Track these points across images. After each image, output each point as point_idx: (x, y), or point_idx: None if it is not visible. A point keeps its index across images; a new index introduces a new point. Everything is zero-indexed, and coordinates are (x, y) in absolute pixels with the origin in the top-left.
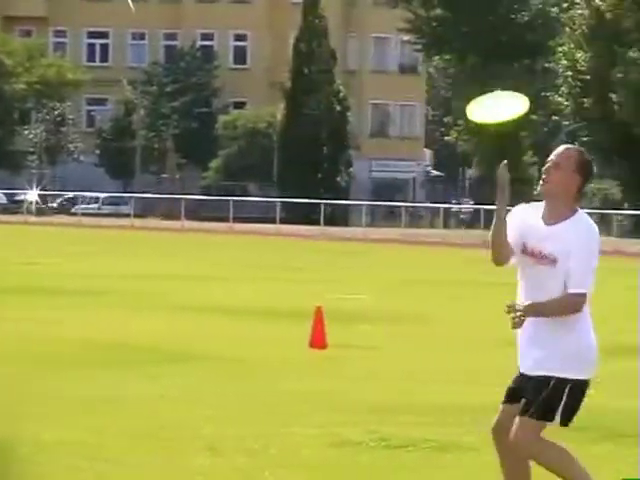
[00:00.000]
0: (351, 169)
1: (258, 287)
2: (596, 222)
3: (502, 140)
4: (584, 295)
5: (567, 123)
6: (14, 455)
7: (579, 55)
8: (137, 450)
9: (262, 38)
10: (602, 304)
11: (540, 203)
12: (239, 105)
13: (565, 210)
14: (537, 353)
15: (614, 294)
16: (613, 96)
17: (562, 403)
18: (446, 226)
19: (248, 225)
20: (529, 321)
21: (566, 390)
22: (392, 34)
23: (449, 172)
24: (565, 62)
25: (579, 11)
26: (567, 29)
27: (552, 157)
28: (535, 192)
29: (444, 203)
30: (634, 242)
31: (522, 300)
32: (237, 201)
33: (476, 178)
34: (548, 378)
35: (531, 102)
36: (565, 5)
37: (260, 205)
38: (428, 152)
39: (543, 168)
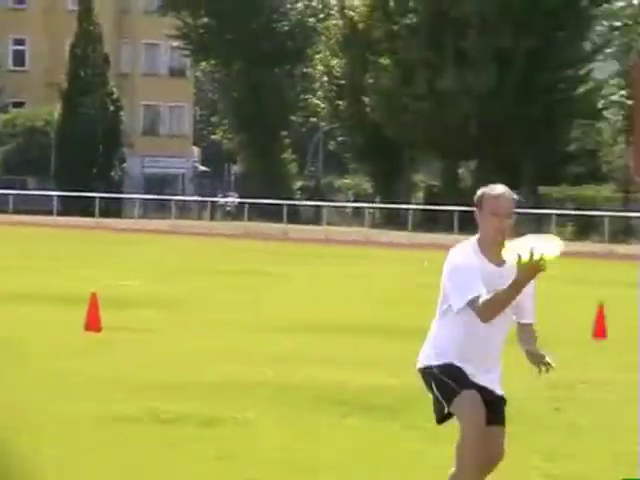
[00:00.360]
0: (124, 165)
1: (36, 275)
2: (350, 214)
3: (264, 139)
4: None
5: (324, 124)
6: None
7: (334, 62)
8: None
9: (40, 42)
10: (379, 289)
11: (466, 245)
12: (18, 105)
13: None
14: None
15: (387, 280)
16: (366, 99)
17: None
18: (213, 218)
19: (28, 217)
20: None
21: None
22: (162, 40)
23: (216, 168)
24: (322, 68)
25: (334, 21)
26: (323, 38)
27: (504, 206)
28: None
29: (211, 197)
30: (384, 232)
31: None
32: (17, 194)
33: (240, 173)
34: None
35: (291, 104)
36: (322, 16)
37: (39, 198)
38: (196, 149)
39: (497, 218)
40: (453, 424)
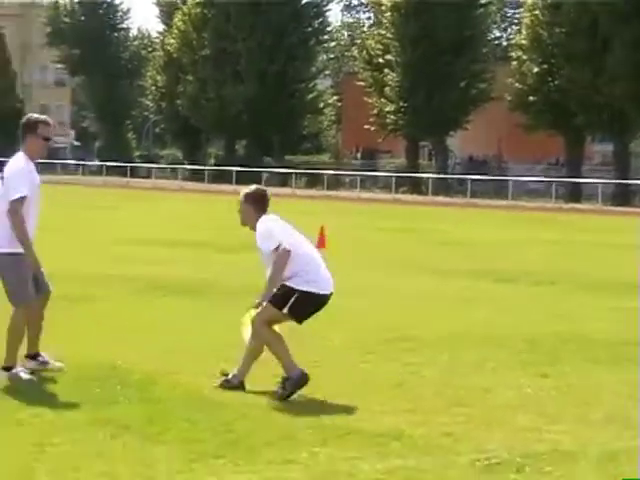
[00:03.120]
0: None
1: None
2: (169, 172)
3: (115, 125)
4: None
5: (152, 116)
6: None
7: (159, 77)
8: None
9: None
10: (183, 219)
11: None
12: None
13: None
14: None
15: (193, 213)
16: (178, 101)
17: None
18: (83, 174)
19: None
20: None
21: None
22: (50, 63)
23: (84, 143)
24: (151, 81)
25: (158, 52)
26: (151, 62)
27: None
28: None
29: (81, 161)
30: (190, 183)
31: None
32: None
33: (100, 147)
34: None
35: (132, 104)
36: (150, 49)
37: None
38: (72, 132)
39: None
40: None
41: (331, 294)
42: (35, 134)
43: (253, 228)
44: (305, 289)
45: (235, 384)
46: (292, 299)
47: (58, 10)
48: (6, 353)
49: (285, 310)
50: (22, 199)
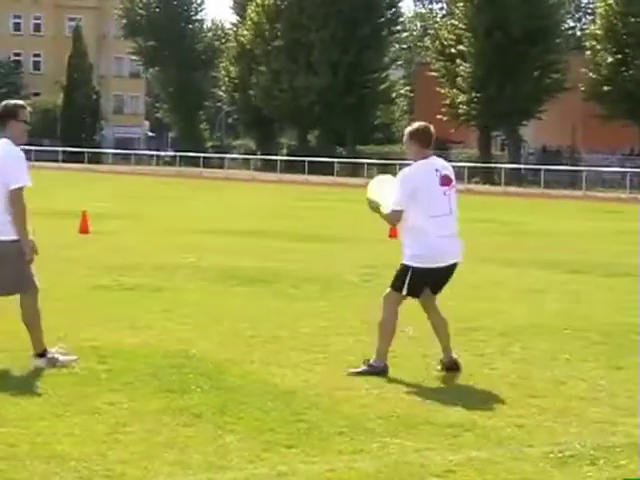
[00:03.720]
0: (102, 131)
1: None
2: (241, 162)
3: (188, 116)
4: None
5: (225, 107)
6: None
7: (232, 68)
8: None
9: (49, 55)
10: (264, 209)
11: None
12: (36, 94)
13: None
14: None
15: (269, 203)
16: (251, 92)
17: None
18: (157, 164)
19: (43, 163)
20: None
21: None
22: (125, 55)
23: (159, 134)
24: (224, 72)
25: (231, 43)
26: (224, 54)
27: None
28: None
29: (156, 151)
30: (263, 174)
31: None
32: (36, 150)
33: (174, 137)
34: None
35: (205, 94)
36: (223, 40)
37: (50, 152)
38: (147, 122)
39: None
40: None
41: (450, 265)
42: (17, 119)
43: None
44: (413, 264)
45: (381, 368)
46: (407, 278)
47: (134, 2)
48: (32, 341)
49: (404, 292)
50: (22, 188)
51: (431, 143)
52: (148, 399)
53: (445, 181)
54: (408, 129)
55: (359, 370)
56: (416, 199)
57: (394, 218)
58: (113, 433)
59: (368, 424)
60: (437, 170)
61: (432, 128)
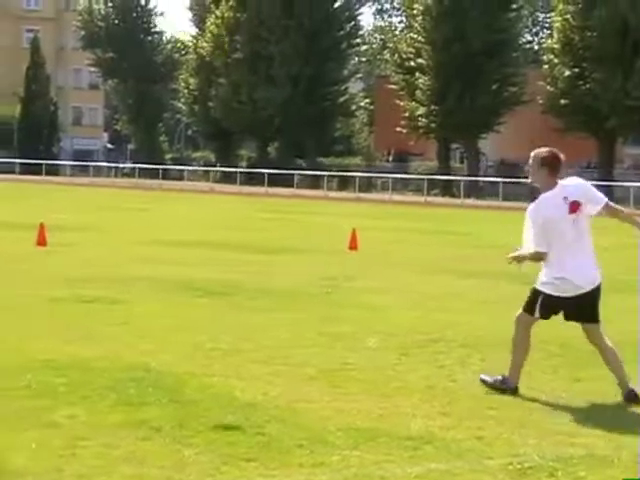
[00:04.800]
0: (61, 143)
1: (1, 211)
2: (201, 174)
3: (147, 128)
4: None
5: (185, 118)
6: None
7: (191, 80)
8: None
9: (6, 66)
10: (220, 219)
11: None
12: None
13: None
14: None
15: (227, 214)
16: (210, 104)
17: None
18: (116, 176)
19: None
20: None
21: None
22: (84, 66)
23: (117, 146)
24: (183, 84)
25: (190, 56)
26: (184, 66)
27: None
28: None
29: (114, 163)
30: (224, 185)
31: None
32: None
33: (133, 149)
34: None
35: (164, 106)
36: (183, 52)
37: (6, 164)
38: (105, 134)
39: None
40: None
41: (581, 294)
42: None
43: (543, 191)
44: (544, 290)
45: (510, 387)
46: (538, 301)
47: (92, 14)
48: None
49: (536, 315)
50: None
51: (560, 170)
52: (106, 412)
53: (573, 207)
54: (537, 154)
55: (491, 380)
56: (546, 232)
57: (539, 258)
58: (70, 447)
59: (328, 437)
60: (566, 198)
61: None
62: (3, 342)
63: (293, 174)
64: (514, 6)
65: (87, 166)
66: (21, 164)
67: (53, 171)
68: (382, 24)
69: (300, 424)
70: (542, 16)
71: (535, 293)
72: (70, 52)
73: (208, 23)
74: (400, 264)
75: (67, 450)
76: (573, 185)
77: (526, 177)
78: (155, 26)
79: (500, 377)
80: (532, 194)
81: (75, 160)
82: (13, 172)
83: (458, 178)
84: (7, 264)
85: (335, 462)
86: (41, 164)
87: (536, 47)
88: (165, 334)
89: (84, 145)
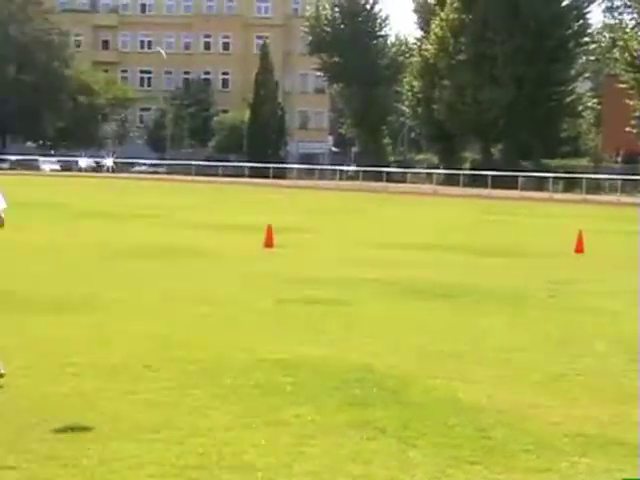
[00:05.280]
0: (287, 147)
1: (233, 214)
2: (424, 176)
3: (371, 131)
4: None
5: (408, 121)
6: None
7: (415, 83)
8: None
9: (236, 73)
10: (449, 221)
11: None
12: (224, 111)
13: None
14: None
15: (453, 216)
16: (434, 106)
17: None
18: (340, 179)
19: (228, 179)
20: None
21: None
22: (310, 71)
23: (342, 149)
24: (407, 87)
25: (415, 58)
26: (408, 68)
27: None
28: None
29: (339, 166)
30: (446, 188)
31: None
32: (224, 165)
33: (357, 152)
34: None
35: (388, 109)
36: (407, 55)
37: (237, 167)
38: (330, 137)
39: None
40: None
41: None
42: None
43: None
44: None
45: None
46: None
47: (319, 19)
48: None
49: None
50: None
51: None
52: (332, 412)
53: None
54: None
55: None
56: None
57: None
58: (298, 445)
59: (555, 442)
60: None
61: None
62: (234, 341)
63: (517, 176)
64: None
65: (312, 169)
66: (250, 167)
67: (280, 174)
68: (612, 22)
69: (526, 429)
70: None
71: None
72: (297, 57)
73: (433, 25)
74: (629, 267)
75: (295, 448)
76: None
77: None
78: (380, 29)
79: None
80: None
81: (301, 163)
82: (242, 175)
83: None
84: (236, 265)
85: (564, 468)
86: (269, 167)
87: None
88: (388, 336)
89: (310, 148)
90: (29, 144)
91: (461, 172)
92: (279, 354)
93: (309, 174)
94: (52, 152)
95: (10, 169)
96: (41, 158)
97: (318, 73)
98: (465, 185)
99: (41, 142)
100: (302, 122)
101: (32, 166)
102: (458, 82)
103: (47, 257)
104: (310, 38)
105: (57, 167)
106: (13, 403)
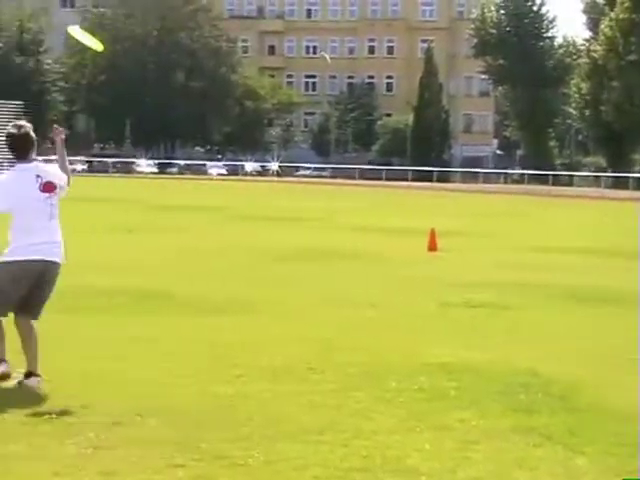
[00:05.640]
0: (451, 150)
1: (396, 217)
2: (592, 180)
3: (536, 133)
4: None
5: (575, 124)
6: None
7: (582, 85)
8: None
9: (400, 77)
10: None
11: None
12: (389, 114)
13: None
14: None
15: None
16: (602, 108)
17: None
18: (505, 182)
19: (388, 182)
20: None
21: None
22: (475, 73)
23: (507, 152)
24: (574, 89)
25: (583, 60)
26: (576, 70)
27: None
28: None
29: (504, 170)
30: (614, 191)
31: None
32: (387, 169)
33: (522, 155)
34: None
35: (554, 112)
36: (574, 57)
37: (399, 171)
38: (495, 141)
39: None
40: None
41: None
42: None
43: None
44: None
45: None
46: None
47: (485, 22)
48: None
49: None
50: None
51: None
52: (496, 417)
53: None
54: None
55: None
56: None
57: None
58: (462, 450)
59: None
60: None
61: None
62: (398, 345)
63: None
64: None
65: (477, 172)
66: (413, 171)
67: (443, 178)
68: None
69: None
70: None
71: None
72: (462, 60)
73: (602, 25)
74: None
75: (459, 453)
76: None
77: None
78: (547, 31)
79: None
80: None
81: (464, 167)
82: (405, 179)
83: None
84: (399, 269)
85: None
86: (432, 171)
87: None
88: (551, 341)
89: (473, 152)
90: (197, 149)
91: (630, 175)
92: (443, 358)
93: (473, 177)
94: (219, 157)
95: (179, 173)
96: (208, 163)
97: (483, 76)
98: (635, 188)
99: (208, 147)
100: (466, 125)
101: (200, 170)
102: (627, 83)
103: (208, 260)
104: (475, 40)
105: (224, 171)
106: (180, 404)
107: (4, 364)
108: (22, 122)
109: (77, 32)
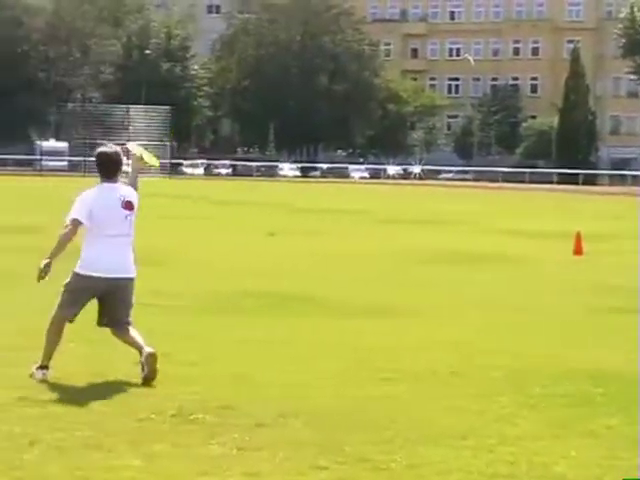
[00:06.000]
0: (599, 152)
1: (541, 220)
2: None
3: None
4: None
5: None
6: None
7: None
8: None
9: (545, 78)
10: None
11: None
12: (533, 117)
13: None
14: None
15: None
16: None
17: None
18: None
19: (518, 185)
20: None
21: None
22: (623, 74)
23: None
24: None
25: None
26: None
27: None
28: None
29: None
30: None
31: None
32: (530, 172)
33: None
34: None
35: None
36: None
37: (543, 173)
38: None
39: None
40: None
41: None
42: None
43: None
44: None
45: None
46: None
47: (634, 21)
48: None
49: None
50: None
51: None
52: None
53: None
54: None
55: None
56: None
57: None
58: (610, 458)
59: None
60: None
61: None
62: (543, 349)
63: None
64: None
65: (625, 175)
66: (558, 174)
67: (590, 180)
68: None
69: None
70: None
71: None
72: (610, 61)
73: None
74: None
75: (607, 461)
76: None
77: None
78: None
79: None
80: None
81: (612, 169)
82: (551, 182)
83: None
84: (544, 273)
85: None
86: (578, 174)
87: None
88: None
89: (621, 154)
90: (339, 152)
91: None
92: (589, 364)
93: (621, 180)
94: (361, 160)
95: (321, 177)
96: (350, 166)
97: (631, 76)
98: None
99: (350, 150)
100: (614, 127)
101: (342, 174)
102: None
103: (351, 263)
104: (623, 40)
105: (366, 175)
106: (323, 407)
107: (46, 371)
108: (111, 144)
109: (137, 149)
